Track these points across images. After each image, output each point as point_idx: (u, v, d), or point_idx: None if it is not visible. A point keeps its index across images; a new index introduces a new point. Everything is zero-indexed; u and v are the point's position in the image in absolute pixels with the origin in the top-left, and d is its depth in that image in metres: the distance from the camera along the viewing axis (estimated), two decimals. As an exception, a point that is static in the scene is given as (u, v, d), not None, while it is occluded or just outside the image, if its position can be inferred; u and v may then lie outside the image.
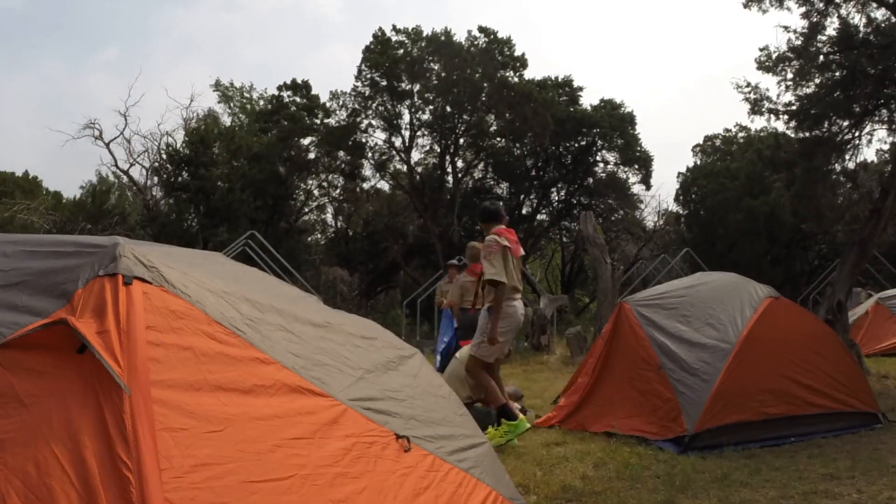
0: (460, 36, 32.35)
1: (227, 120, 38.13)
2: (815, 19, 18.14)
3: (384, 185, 36.71)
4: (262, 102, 39.61)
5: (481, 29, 32.17)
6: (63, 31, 73.58)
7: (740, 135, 37.62)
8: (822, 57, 18.48)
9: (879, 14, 17.90)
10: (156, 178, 32.84)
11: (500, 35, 32.11)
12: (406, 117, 33.18)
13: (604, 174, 35.61)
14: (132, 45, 71.71)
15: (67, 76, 71.00)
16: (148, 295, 3.55)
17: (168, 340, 3.46)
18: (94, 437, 3.00)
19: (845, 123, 19.06)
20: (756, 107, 19.67)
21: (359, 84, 32.42)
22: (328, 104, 33.53)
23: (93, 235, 4.60)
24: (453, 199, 33.33)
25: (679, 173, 35.08)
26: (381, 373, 4.66)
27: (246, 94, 41.65)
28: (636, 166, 35.06)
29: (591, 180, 35.69)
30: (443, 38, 31.88)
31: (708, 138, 39.94)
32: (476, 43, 32.02)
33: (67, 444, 3.01)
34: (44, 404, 3.11)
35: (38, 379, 3.18)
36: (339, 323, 4.94)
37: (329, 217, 39.01)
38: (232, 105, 41.06)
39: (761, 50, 19.11)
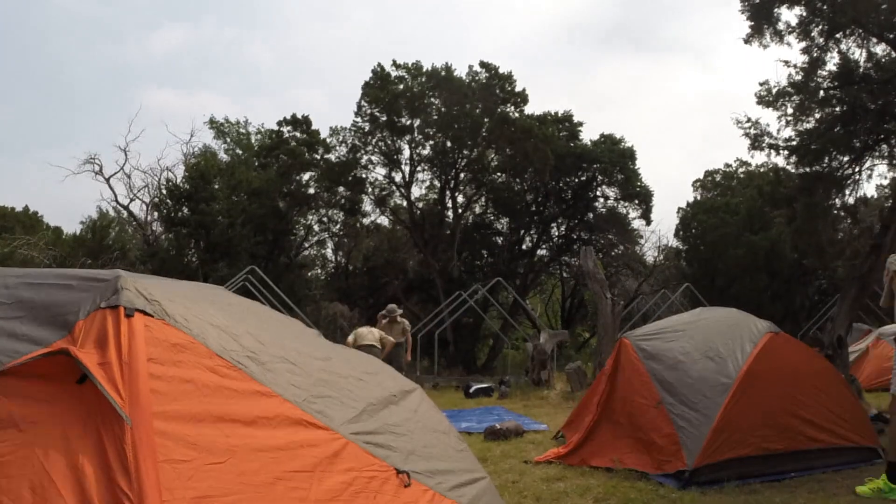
0: (461, 71, 32.51)
1: (223, 156, 38.19)
2: (815, 54, 18.25)
3: (384, 221, 36.77)
4: (258, 136, 39.74)
5: (482, 64, 32.31)
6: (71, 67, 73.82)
7: (741, 170, 37.75)
8: (822, 92, 18.57)
9: (880, 49, 18.01)
10: (156, 214, 32.90)
11: (500, 70, 32.26)
12: (406, 152, 33.29)
13: (604, 209, 35.62)
14: (132, 80, 71.83)
15: (70, 110, 71.13)
16: (150, 327, 3.57)
17: (170, 373, 3.48)
18: (95, 467, 3.01)
19: (845, 159, 19.11)
20: (756, 142, 19.74)
21: (358, 119, 32.52)
22: (328, 140, 33.63)
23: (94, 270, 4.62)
24: (453, 235, 33.33)
25: (679, 208, 35.15)
26: (381, 407, 4.66)
27: (242, 130, 41.75)
28: (636, 201, 35.06)
29: (591, 215, 35.68)
30: (443, 73, 31.99)
31: (708, 173, 40.08)
32: (477, 78, 32.14)
33: (66, 472, 3.01)
34: (42, 431, 3.12)
35: (37, 406, 3.19)
36: (341, 357, 4.96)
37: (329, 252, 39.05)
38: (228, 140, 41.15)
39: (761, 84, 19.21)
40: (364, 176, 33.47)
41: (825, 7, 17.50)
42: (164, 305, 3.77)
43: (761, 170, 31.83)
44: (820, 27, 17.96)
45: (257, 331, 4.34)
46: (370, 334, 15.34)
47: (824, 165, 19.05)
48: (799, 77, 18.56)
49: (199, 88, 75.92)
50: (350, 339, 15.30)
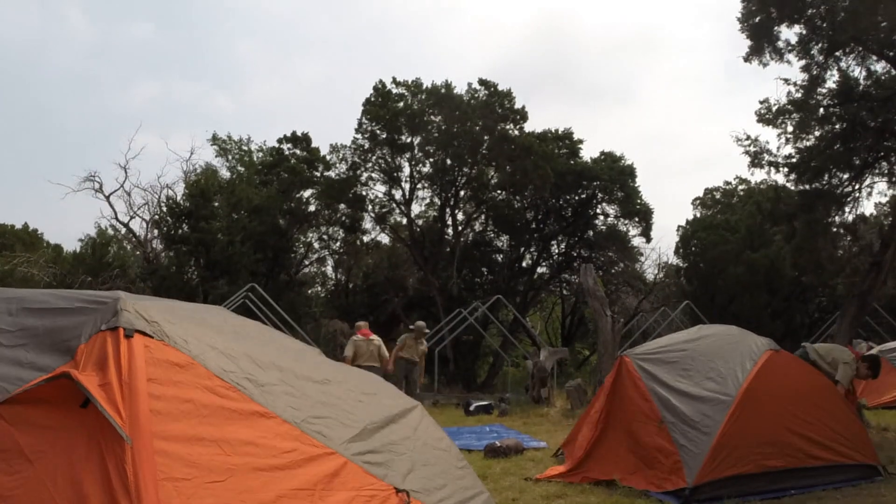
0: (460, 88, 32.53)
1: (225, 173, 38.21)
2: (815, 72, 18.32)
3: (384, 238, 36.73)
4: (260, 155, 39.76)
5: (482, 82, 32.30)
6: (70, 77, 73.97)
7: (740, 188, 37.80)
8: (822, 109, 18.63)
9: (879, 67, 18.08)
10: (156, 231, 32.88)
11: (500, 88, 32.28)
12: (406, 170, 33.29)
13: (604, 227, 35.58)
14: (134, 92, 71.98)
15: (68, 129, 71.26)
16: (149, 348, 3.59)
17: (169, 393, 3.49)
18: (98, 489, 3.02)
19: (845, 176, 19.16)
20: (756, 160, 19.80)
21: (359, 136, 32.53)
22: (328, 157, 33.66)
23: (93, 289, 4.64)
24: (453, 252, 33.30)
25: (679, 226, 35.18)
26: (381, 426, 4.67)
27: (244, 147, 41.77)
28: (636, 219, 35.03)
29: (591, 233, 35.66)
30: (443, 90, 32.02)
31: (708, 191, 40.18)
32: (476, 96, 32.16)
33: (72, 499, 3.02)
34: (48, 460, 3.13)
35: (42, 434, 3.20)
36: (341, 377, 4.97)
37: (329, 269, 39.05)
38: (230, 158, 41.18)
39: (761, 102, 19.28)
40: (364, 193, 33.48)
41: (825, 25, 17.57)
42: (164, 326, 3.79)
43: (762, 187, 31.89)
44: (820, 45, 18.04)
45: (257, 352, 4.36)
46: (369, 352, 15.30)
47: (824, 183, 19.09)
48: (799, 95, 18.62)
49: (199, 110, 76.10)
50: (349, 353, 15.22)
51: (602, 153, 35.05)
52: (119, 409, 3.17)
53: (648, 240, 35.76)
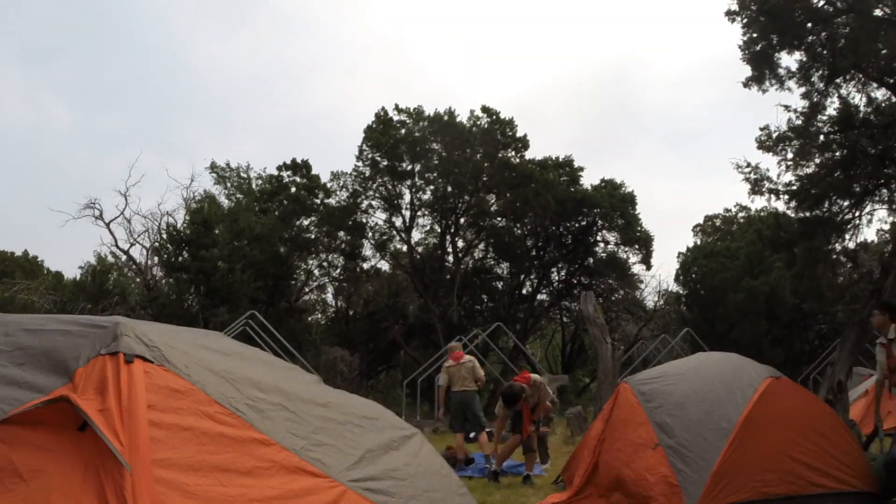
0: (463, 116, 32.68)
1: (223, 200, 38.26)
2: (815, 99, 18.37)
3: (384, 265, 36.79)
4: (259, 182, 39.80)
5: (484, 109, 32.45)
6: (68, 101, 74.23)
7: (740, 215, 37.86)
8: (822, 136, 18.67)
9: (880, 94, 18.12)
10: (156, 258, 32.91)
11: (502, 115, 32.41)
12: (407, 197, 33.39)
13: (604, 254, 35.66)
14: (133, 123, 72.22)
15: (70, 155, 71.49)
16: (149, 374, 3.60)
17: (169, 420, 3.50)
18: (97, 514, 3.02)
19: (845, 203, 19.17)
20: (756, 187, 19.82)
21: (360, 164, 32.62)
22: (329, 184, 33.74)
23: (93, 315, 4.66)
24: (454, 279, 33.33)
25: (679, 253, 35.21)
26: (381, 453, 4.67)
27: (242, 175, 41.79)
28: (636, 246, 35.09)
29: (591, 260, 35.72)
30: (446, 118, 32.11)
31: (708, 218, 40.23)
32: (479, 123, 32.26)
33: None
34: (44, 479, 3.13)
35: (39, 454, 3.20)
36: (341, 403, 4.97)
37: (329, 297, 39.04)
38: (228, 185, 41.20)
39: (762, 129, 19.31)
40: (364, 220, 33.55)
41: (825, 52, 17.64)
42: (165, 351, 3.79)
43: (762, 214, 31.92)
44: (820, 72, 18.10)
45: (257, 378, 4.36)
46: (461, 377, 13.54)
47: (824, 210, 19.11)
48: (799, 122, 18.66)
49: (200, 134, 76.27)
50: (443, 382, 13.82)
51: (602, 180, 35.21)
52: (118, 436, 3.18)
53: (648, 267, 35.86)
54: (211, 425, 3.67)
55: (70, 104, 76.00)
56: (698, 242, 37.41)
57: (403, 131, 32.34)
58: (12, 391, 3.42)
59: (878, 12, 16.61)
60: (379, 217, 34.01)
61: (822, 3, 17.22)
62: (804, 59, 18.09)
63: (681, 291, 35.10)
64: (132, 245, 34.12)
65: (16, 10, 67.36)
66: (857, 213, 19.48)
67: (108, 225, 33.22)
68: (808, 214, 19.35)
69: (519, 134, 32.35)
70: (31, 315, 4.36)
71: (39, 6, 72.91)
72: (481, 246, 36.15)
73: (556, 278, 37.11)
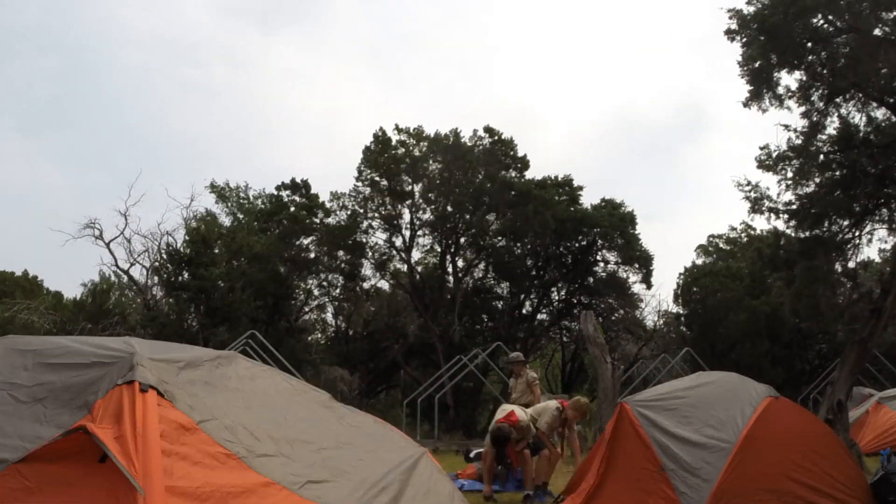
0: (465, 136, 32.81)
1: (225, 220, 38.26)
2: (815, 118, 18.38)
3: (384, 285, 36.82)
4: (259, 202, 39.79)
5: (486, 129, 32.55)
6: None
7: (744, 234, 37.85)
8: (822, 156, 18.68)
9: (880, 113, 18.15)
10: (156, 278, 32.86)
11: (503, 136, 32.50)
12: (407, 217, 33.47)
13: (604, 273, 35.66)
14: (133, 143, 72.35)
15: (68, 176, 71.60)
16: (162, 406, 3.67)
17: (178, 451, 3.55)
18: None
19: (845, 223, 19.18)
20: (756, 206, 19.83)
21: (359, 184, 32.71)
22: (329, 204, 33.80)
23: (98, 336, 4.68)
24: (454, 299, 33.34)
25: (679, 273, 35.22)
26: (380, 479, 4.69)
27: (242, 194, 41.80)
28: (636, 265, 35.09)
29: (591, 279, 35.72)
30: (451, 138, 32.18)
31: (711, 237, 40.24)
32: (480, 143, 32.35)
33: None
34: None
35: (62, 491, 3.25)
36: (342, 434, 4.99)
37: (329, 316, 39.01)
38: (229, 205, 41.20)
39: (762, 149, 19.31)
40: (364, 240, 33.64)
41: (825, 71, 17.66)
42: (173, 389, 3.86)
43: (763, 233, 31.97)
44: (820, 91, 18.12)
45: (263, 412, 4.42)
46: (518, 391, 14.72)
47: (824, 229, 19.12)
48: (799, 141, 18.68)
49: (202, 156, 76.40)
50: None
51: (602, 200, 35.24)
52: (133, 462, 3.21)
53: (649, 286, 35.82)
54: (214, 464, 3.75)
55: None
56: (699, 263, 37.46)
57: (402, 151, 32.40)
58: (34, 428, 3.47)
59: (877, 32, 16.64)
60: (379, 237, 34.14)
61: (821, 22, 17.25)
62: (804, 78, 18.10)
63: (681, 311, 35.08)
64: (132, 265, 34.08)
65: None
66: (857, 233, 19.49)
67: (108, 245, 33.19)
68: (808, 234, 19.36)
69: (520, 154, 32.53)
70: (44, 339, 4.37)
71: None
72: (481, 265, 36.16)
73: (556, 298, 37.12)
